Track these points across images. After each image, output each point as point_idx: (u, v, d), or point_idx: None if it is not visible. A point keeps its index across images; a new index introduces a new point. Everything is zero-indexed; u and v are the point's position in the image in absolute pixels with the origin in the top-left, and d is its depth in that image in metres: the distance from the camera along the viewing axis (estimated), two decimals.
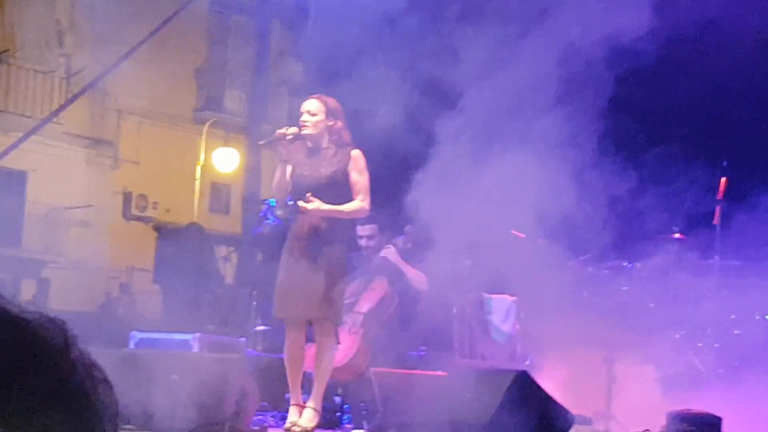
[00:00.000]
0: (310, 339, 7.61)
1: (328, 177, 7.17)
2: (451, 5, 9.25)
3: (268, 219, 8.33)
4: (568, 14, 8.32)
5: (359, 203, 7.19)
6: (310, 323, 7.34)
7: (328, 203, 7.15)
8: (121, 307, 21.05)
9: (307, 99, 7.52)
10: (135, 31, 17.60)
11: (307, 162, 7.25)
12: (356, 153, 7.26)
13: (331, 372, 8.42)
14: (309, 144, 7.28)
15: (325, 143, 7.27)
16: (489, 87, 8.24)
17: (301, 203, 7.06)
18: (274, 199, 7.88)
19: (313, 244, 7.16)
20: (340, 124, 7.30)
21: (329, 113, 7.29)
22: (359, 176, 7.22)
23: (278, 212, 7.46)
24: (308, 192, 7.16)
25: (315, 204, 7.04)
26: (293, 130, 7.23)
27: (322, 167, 7.19)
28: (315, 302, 7.10)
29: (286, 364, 7.27)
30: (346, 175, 7.20)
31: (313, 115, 7.27)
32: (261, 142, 7.22)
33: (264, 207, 7.97)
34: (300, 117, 7.30)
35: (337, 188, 7.17)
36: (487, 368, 8.08)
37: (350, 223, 7.55)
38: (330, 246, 7.15)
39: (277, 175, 7.35)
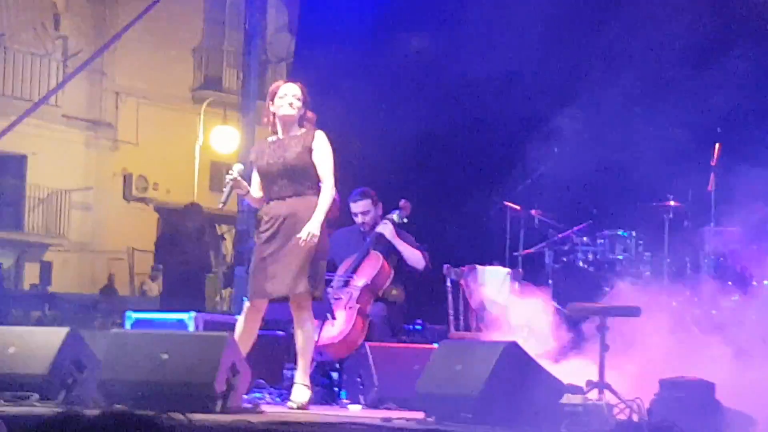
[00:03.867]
0: (318, 315, 7.59)
1: (294, 158, 7.24)
2: None
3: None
4: None
5: (327, 190, 7.24)
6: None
7: (297, 185, 7.26)
8: (123, 288, 21.12)
9: (287, 82, 7.61)
10: (131, 12, 17.61)
11: (268, 150, 7.36)
12: (320, 132, 7.35)
13: (328, 348, 8.46)
14: (279, 127, 7.37)
15: (293, 130, 7.36)
16: None
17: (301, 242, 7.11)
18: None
19: (289, 224, 7.20)
20: (311, 114, 7.43)
21: (305, 102, 7.44)
22: (323, 156, 7.30)
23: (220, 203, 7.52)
24: (276, 178, 7.24)
25: (309, 234, 7.11)
26: (238, 167, 7.37)
27: (287, 152, 7.27)
28: (290, 277, 7.11)
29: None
30: (310, 152, 7.26)
31: (298, 99, 7.38)
32: (220, 205, 7.42)
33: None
34: (281, 97, 7.38)
35: (302, 169, 7.25)
36: (478, 340, 8.09)
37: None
38: (305, 223, 7.18)
39: (250, 201, 7.73)
